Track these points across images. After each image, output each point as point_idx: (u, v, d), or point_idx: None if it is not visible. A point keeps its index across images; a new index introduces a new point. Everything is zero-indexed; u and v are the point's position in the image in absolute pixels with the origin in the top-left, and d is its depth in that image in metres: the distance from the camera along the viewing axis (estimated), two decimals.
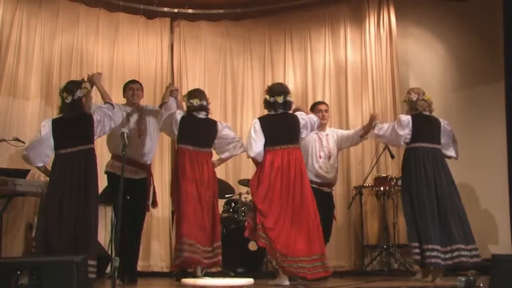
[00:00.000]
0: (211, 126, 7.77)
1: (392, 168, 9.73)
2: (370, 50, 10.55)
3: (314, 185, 7.99)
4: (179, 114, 7.66)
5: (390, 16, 10.50)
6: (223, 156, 7.84)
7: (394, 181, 9.29)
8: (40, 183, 8.31)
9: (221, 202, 9.52)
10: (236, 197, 9.26)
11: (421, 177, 7.60)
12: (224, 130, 7.81)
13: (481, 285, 5.93)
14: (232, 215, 9.02)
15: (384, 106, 10.16)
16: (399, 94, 10.14)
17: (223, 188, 9.47)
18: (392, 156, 9.24)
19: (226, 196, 9.40)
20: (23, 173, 8.31)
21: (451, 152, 7.97)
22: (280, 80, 11.02)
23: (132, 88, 8.11)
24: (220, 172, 10.28)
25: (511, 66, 7.61)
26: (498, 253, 6.39)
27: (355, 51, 10.79)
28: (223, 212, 9.20)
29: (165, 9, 11.17)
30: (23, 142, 8.67)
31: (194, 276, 7.12)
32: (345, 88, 10.55)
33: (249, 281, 4.21)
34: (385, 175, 9.58)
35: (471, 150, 9.71)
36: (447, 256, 7.35)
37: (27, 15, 9.85)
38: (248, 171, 10.60)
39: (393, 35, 10.44)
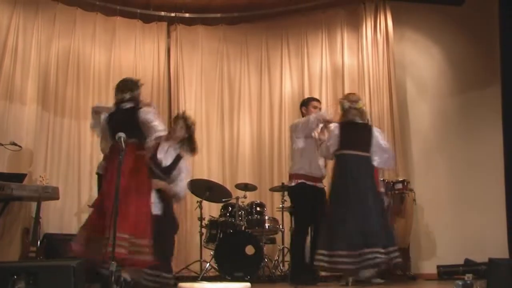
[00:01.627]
0: (133, 114, 7.05)
1: (389, 172, 9.73)
2: (367, 54, 10.56)
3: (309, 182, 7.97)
4: (104, 114, 7.14)
5: (387, 21, 10.52)
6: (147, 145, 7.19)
7: (391, 184, 9.29)
8: (37, 187, 8.31)
9: (218, 206, 9.54)
10: (233, 201, 9.24)
11: (345, 184, 7.46)
12: (147, 115, 7.04)
13: None
14: (229, 219, 9.01)
15: (381, 110, 10.17)
16: (396, 98, 10.19)
17: (220, 192, 9.47)
18: None
19: (223, 200, 9.38)
20: (19, 178, 8.31)
21: (375, 162, 7.66)
22: (277, 84, 11.11)
23: None
24: (217, 176, 10.32)
25: (507, 70, 7.62)
26: (495, 257, 6.38)
27: (352, 56, 10.81)
28: (220, 216, 9.20)
29: (162, 13, 11.22)
30: (20, 146, 8.70)
31: None
32: (342, 92, 10.49)
33: (246, 285, 4.19)
34: (381, 179, 9.56)
35: (468, 153, 9.76)
36: (358, 259, 7.14)
37: (24, 20, 9.86)
38: (245, 174, 10.64)
39: (390, 40, 10.45)
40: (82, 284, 5.04)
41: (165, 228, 6.99)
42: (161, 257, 6.72)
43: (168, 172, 7.17)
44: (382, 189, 8.84)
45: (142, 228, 6.54)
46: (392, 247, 7.19)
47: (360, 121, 7.74)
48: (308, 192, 7.88)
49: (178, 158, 7.28)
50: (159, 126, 6.93)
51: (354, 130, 7.69)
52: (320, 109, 8.33)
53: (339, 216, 7.30)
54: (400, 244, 8.99)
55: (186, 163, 7.39)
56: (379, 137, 7.70)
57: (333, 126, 7.77)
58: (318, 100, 8.61)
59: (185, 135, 7.40)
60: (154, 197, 6.92)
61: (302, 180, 7.90)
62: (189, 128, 7.45)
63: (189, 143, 7.45)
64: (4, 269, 4.79)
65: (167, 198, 7.11)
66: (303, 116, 8.37)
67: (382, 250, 7.10)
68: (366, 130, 7.70)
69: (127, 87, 7.18)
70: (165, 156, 7.24)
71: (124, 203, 6.40)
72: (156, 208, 6.90)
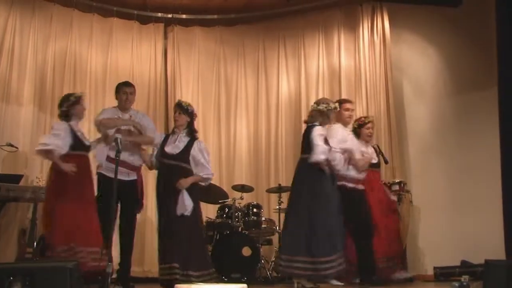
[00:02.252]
0: None
1: (386, 173, 9.75)
2: (363, 55, 10.56)
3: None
4: None
5: (383, 22, 10.54)
6: None
7: (389, 185, 9.30)
8: (34, 188, 8.31)
9: (214, 208, 9.54)
10: (230, 202, 9.26)
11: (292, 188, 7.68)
12: (51, 129, 7.68)
13: None
14: (226, 220, 9.02)
15: (377, 111, 10.15)
16: (393, 99, 10.22)
17: (217, 193, 9.48)
18: (386, 162, 9.23)
19: (220, 201, 9.40)
20: (16, 179, 8.31)
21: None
22: (274, 86, 11.13)
23: (126, 92, 7.93)
24: (213, 177, 10.33)
25: (504, 72, 7.63)
26: (491, 258, 6.40)
27: (349, 57, 10.82)
28: (217, 217, 9.21)
29: (159, 14, 11.22)
30: (16, 148, 8.71)
31: None
32: (338, 93, 10.52)
33: (243, 286, 4.19)
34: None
35: (464, 154, 9.77)
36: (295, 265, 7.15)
37: (20, 20, 9.86)
38: (241, 176, 10.65)
39: (387, 41, 10.47)
40: (79, 285, 5.04)
41: (191, 228, 7.21)
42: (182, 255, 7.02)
43: (183, 157, 7.37)
44: (393, 198, 8.84)
45: None
46: (321, 258, 7.04)
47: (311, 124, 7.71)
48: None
49: (190, 142, 7.45)
50: (41, 140, 7.42)
51: (304, 134, 7.72)
52: (352, 110, 8.37)
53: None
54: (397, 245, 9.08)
55: (200, 145, 7.55)
56: (312, 134, 7.52)
57: None
58: (350, 102, 8.54)
59: (187, 119, 7.57)
60: (185, 197, 7.15)
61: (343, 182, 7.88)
62: (187, 111, 7.58)
63: (191, 127, 7.64)
64: (0, 270, 4.79)
65: (195, 196, 7.30)
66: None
67: (304, 259, 7.08)
68: (309, 131, 7.62)
69: (59, 104, 7.60)
70: (175, 146, 7.43)
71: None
72: (187, 209, 7.15)
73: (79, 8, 10.54)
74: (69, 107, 7.47)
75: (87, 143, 7.58)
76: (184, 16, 11.34)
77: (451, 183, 9.85)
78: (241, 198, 9.38)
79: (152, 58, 11.08)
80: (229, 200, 9.37)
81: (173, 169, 7.29)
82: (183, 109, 7.54)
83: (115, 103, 8.00)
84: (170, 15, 11.27)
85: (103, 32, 10.83)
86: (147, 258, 10.03)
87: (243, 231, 8.95)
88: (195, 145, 7.43)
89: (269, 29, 11.51)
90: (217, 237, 8.82)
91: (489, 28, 8.05)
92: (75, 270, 4.94)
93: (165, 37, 11.33)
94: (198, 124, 10.64)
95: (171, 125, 10.65)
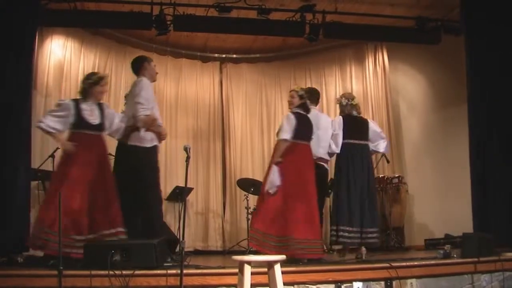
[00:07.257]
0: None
1: (387, 170, 9.78)
2: (369, 82, 10.60)
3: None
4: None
5: (384, 57, 10.56)
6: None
7: (389, 180, 9.33)
8: None
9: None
10: None
11: (346, 169, 6.85)
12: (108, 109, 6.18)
13: (455, 255, 6.00)
14: None
15: (380, 124, 9.91)
16: (392, 114, 10.26)
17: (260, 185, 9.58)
18: (388, 161, 9.28)
19: None
20: None
21: (378, 147, 7.11)
22: None
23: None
24: (259, 175, 10.38)
25: (472, 92, 7.65)
26: (467, 232, 6.48)
27: (358, 83, 10.86)
28: None
29: (216, 55, 11.38)
30: None
31: None
32: None
33: (282, 257, 4.28)
34: (382, 175, 9.61)
35: (446, 154, 9.75)
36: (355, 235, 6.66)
37: (116, 63, 10.30)
38: None
39: (386, 71, 10.49)
40: (163, 257, 5.16)
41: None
42: None
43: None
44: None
45: None
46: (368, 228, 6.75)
47: (356, 114, 7.17)
48: None
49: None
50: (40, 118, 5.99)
51: (353, 122, 7.09)
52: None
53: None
54: (397, 224, 9.11)
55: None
56: (375, 127, 7.19)
57: (338, 118, 7.13)
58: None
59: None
60: None
61: None
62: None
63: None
64: (105, 246, 4.95)
65: None
66: None
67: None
68: (363, 122, 7.19)
69: (82, 80, 6.19)
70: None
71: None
72: None
73: (157, 52, 10.71)
74: (89, 85, 5.93)
75: (94, 122, 5.86)
76: (234, 55, 11.47)
77: (437, 175, 9.81)
78: None
79: (211, 87, 11.22)
80: None
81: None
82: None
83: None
84: (224, 55, 11.41)
85: (175, 69, 11.02)
86: (210, 234, 10.31)
87: None
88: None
89: (298, 63, 11.56)
90: None
91: (461, 58, 8.04)
92: (159, 245, 5.07)
93: (221, 71, 11.44)
94: (246, 136, 10.87)
95: (227, 134, 10.86)
